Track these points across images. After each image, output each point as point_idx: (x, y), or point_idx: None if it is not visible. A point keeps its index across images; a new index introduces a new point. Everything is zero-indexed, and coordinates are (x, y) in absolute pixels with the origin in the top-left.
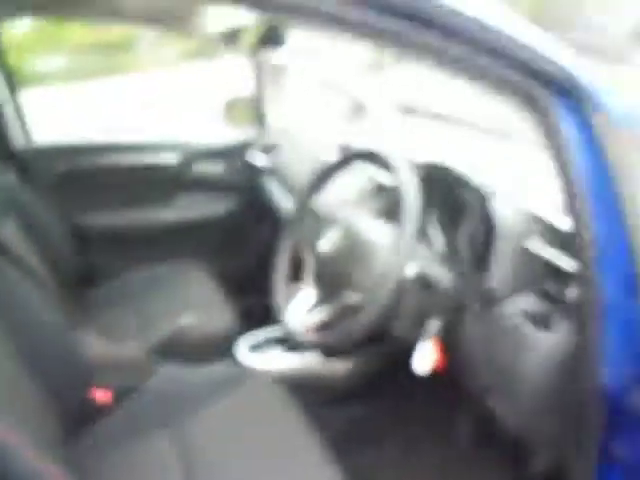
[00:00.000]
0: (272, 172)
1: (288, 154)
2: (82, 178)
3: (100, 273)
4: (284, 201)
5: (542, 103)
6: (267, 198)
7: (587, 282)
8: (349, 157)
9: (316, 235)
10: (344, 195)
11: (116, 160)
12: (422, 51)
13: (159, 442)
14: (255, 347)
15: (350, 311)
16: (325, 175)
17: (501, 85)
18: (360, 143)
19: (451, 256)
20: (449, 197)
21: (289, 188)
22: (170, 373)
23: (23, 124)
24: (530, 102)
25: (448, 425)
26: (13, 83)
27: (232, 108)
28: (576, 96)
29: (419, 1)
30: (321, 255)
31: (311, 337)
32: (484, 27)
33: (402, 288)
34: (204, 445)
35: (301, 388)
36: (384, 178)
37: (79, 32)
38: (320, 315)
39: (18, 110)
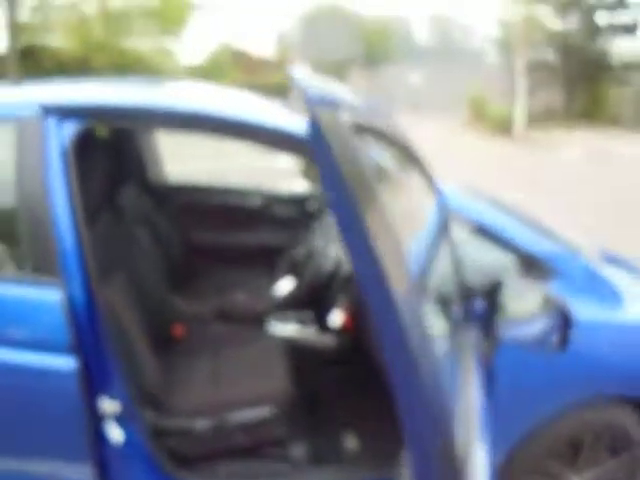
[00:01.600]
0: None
1: None
2: (196, 209)
3: (196, 273)
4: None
5: None
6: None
7: None
8: None
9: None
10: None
11: (220, 199)
12: None
13: (202, 357)
14: (280, 321)
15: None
16: None
17: None
18: None
19: None
20: None
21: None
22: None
23: (158, 165)
24: None
25: None
26: None
27: (308, 169)
28: None
29: None
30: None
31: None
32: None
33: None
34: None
35: (302, 351)
36: None
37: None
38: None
39: (155, 153)
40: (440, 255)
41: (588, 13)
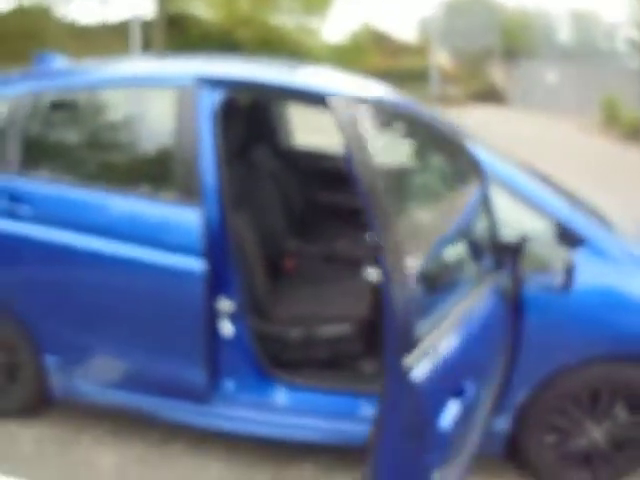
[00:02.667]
0: None
1: None
2: (318, 171)
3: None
4: None
5: None
6: None
7: None
8: None
9: None
10: None
11: (339, 165)
12: None
13: (304, 285)
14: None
15: None
16: None
17: None
18: None
19: None
20: None
21: None
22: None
23: (288, 133)
24: None
25: None
26: None
27: None
28: None
29: None
30: None
31: None
32: None
33: None
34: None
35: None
36: None
37: (375, 60)
38: None
39: (286, 123)
40: (481, 216)
41: None
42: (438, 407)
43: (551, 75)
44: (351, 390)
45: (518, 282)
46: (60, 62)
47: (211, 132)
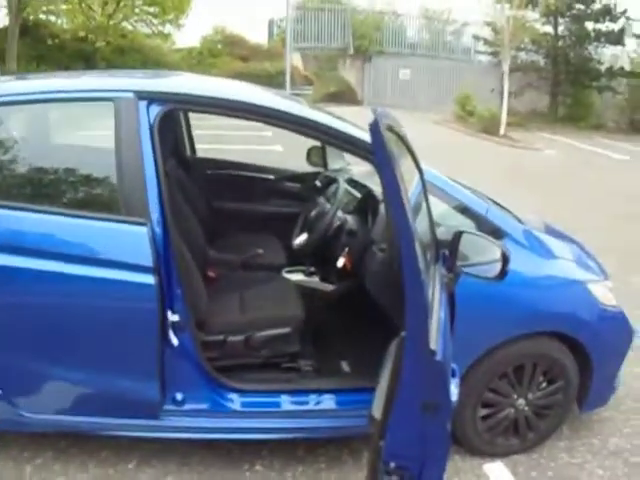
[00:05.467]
0: (325, 192)
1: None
2: (220, 180)
3: (219, 232)
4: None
5: None
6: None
7: None
8: None
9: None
10: None
11: (241, 173)
12: None
13: (231, 293)
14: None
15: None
16: None
17: None
18: None
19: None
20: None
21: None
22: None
23: (192, 142)
24: None
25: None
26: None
27: (311, 152)
28: None
29: None
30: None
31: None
32: None
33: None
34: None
35: (308, 293)
36: None
37: (229, 63)
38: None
39: (189, 132)
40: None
41: (577, 20)
42: (449, 383)
43: (403, 73)
44: (293, 388)
45: (455, 274)
46: None
47: (151, 146)
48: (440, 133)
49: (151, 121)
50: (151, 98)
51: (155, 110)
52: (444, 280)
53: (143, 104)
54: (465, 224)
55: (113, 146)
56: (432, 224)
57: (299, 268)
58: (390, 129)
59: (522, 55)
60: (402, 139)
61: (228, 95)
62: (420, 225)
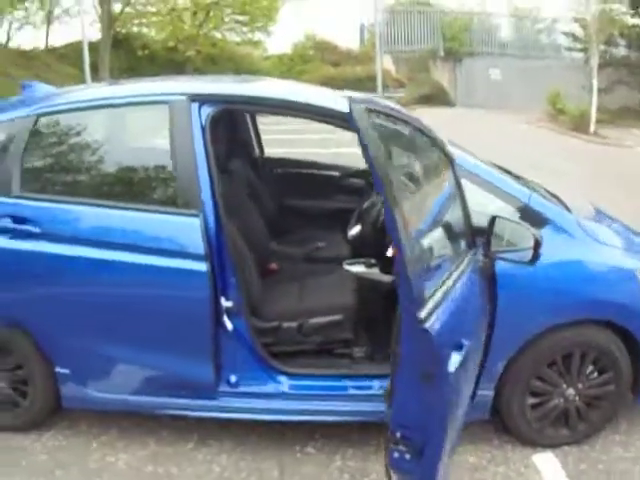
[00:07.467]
0: None
1: None
2: (288, 178)
3: (288, 228)
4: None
5: None
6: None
7: None
8: None
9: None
10: None
11: (307, 171)
12: None
13: (290, 284)
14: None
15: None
16: None
17: None
18: None
19: None
20: None
21: None
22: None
23: (260, 143)
24: None
25: None
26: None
27: None
28: None
29: None
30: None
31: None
32: None
33: None
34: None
35: (366, 285)
36: None
37: (321, 68)
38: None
39: (257, 134)
40: (455, 203)
41: None
42: (446, 355)
43: (494, 73)
44: (343, 373)
45: (491, 259)
46: (43, 88)
47: (203, 144)
48: (528, 133)
49: (203, 122)
50: (202, 100)
51: (207, 111)
52: (478, 265)
53: (195, 106)
54: (506, 211)
55: (169, 146)
56: (466, 210)
57: (360, 260)
58: (371, 111)
59: (613, 50)
60: (406, 122)
61: (269, 94)
62: (444, 209)
